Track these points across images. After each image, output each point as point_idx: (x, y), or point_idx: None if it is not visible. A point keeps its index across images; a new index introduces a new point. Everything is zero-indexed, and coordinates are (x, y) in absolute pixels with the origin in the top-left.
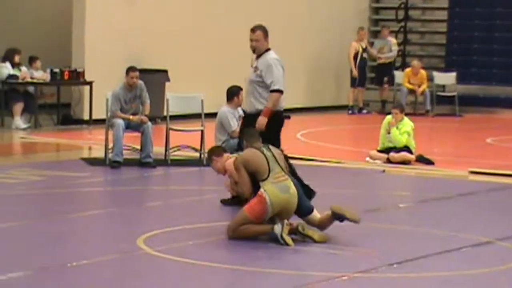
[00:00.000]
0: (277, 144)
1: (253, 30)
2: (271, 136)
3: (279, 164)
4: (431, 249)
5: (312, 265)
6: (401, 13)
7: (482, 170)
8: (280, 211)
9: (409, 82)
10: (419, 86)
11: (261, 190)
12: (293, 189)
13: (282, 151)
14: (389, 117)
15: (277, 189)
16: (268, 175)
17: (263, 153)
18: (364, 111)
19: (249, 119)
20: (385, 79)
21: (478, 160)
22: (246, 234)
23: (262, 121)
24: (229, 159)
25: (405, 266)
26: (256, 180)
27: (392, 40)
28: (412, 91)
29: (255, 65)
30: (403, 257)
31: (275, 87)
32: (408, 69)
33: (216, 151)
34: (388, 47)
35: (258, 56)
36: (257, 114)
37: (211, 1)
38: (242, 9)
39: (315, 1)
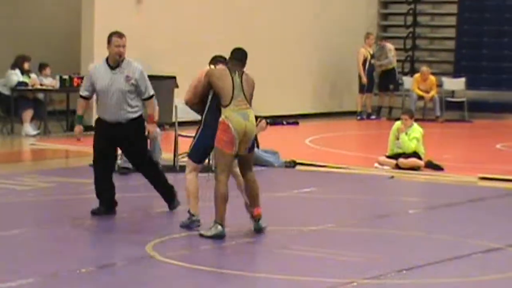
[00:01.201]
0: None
1: (120, 36)
2: (143, 143)
3: (243, 93)
4: (441, 255)
5: (321, 271)
6: (409, 19)
7: (491, 176)
8: (243, 138)
9: (418, 88)
10: (428, 92)
11: (223, 117)
12: (252, 118)
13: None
14: (398, 123)
15: (239, 116)
16: (230, 102)
17: (232, 77)
18: (373, 116)
19: (118, 128)
20: (391, 86)
21: (487, 165)
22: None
23: (154, 128)
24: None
25: (414, 273)
26: (204, 104)
27: (389, 46)
28: (421, 97)
29: (126, 74)
30: (413, 263)
31: (151, 93)
32: (417, 75)
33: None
34: (385, 54)
35: (119, 64)
36: (128, 123)
37: (220, 8)
38: (251, 16)
39: (323, 6)
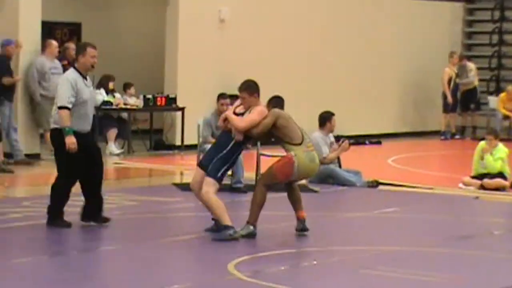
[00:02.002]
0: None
1: (94, 47)
2: (62, 157)
3: (308, 137)
4: None
5: None
6: (495, 38)
7: None
8: (302, 177)
9: (503, 107)
10: None
11: (292, 153)
12: (317, 160)
13: None
14: (482, 143)
15: (307, 158)
16: (302, 142)
17: (293, 121)
18: (457, 136)
19: (86, 137)
20: (472, 106)
21: None
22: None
23: (67, 140)
24: (258, 107)
25: None
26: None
27: (469, 65)
28: (506, 117)
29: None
30: (496, 285)
31: (59, 104)
32: (502, 94)
33: (251, 88)
34: (466, 73)
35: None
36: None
37: (304, 29)
38: (334, 36)
39: (408, 26)
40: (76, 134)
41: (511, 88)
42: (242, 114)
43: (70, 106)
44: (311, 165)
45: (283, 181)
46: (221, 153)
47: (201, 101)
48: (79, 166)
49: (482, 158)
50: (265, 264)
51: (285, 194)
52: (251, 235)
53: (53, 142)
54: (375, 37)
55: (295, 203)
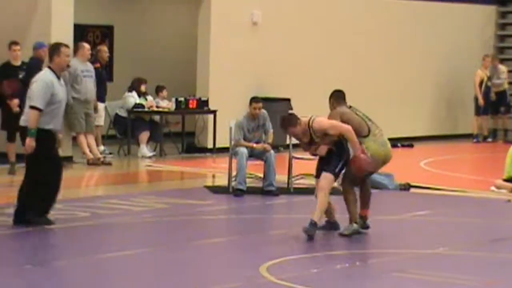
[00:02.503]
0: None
1: (68, 46)
2: (37, 158)
3: (373, 122)
4: None
5: None
6: None
7: None
8: (380, 164)
9: None
10: None
11: (363, 146)
12: (388, 144)
13: None
14: None
15: (377, 145)
16: (369, 133)
17: (355, 113)
18: (489, 139)
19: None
20: (502, 109)
21: None
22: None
23: (28, 141)
24: (313, 119)
25: None
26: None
27: (501, 67)
28: None
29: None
30: None
31: (32, 104)
32: None
33: (290, 120)
34: (497, 75)
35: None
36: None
37: (337, 33)
38: (367, 41)
39: (441, 29)
40: (50, 132)
41: None
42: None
43: (42, 108)
44: (384, 150)
45: (362, 174)
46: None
47: (233, 104)
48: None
49: None
50: (297, 267)
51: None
52: (356, 232)
53: (23, 140)
54: (407, 41)
55: (363, 200)
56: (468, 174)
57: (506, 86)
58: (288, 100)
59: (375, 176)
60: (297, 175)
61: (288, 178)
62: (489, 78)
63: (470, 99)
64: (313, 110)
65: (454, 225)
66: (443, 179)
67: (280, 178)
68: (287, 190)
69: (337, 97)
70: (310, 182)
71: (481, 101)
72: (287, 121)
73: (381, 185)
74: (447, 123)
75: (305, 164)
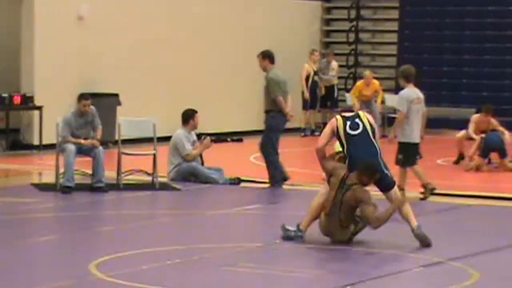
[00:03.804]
0: None
1: None
2: None
3: None
4: (384, 269)
5: None
6: (352, 36)
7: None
8: None
9: (361, 94)
10: (370, 98)
11: None
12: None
13: None
14: None
15: None
16: None
17: None
18: (317, 133)
19: None
20: (329, 103)
21: (429, 181)
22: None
23: None
24: None
25: (361, 287)
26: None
27: (334, 63)
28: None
29: None
30: (357, 278)
31: None
32: (360, 82)
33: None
34: (327, 70)
35: None
36: None
37: (164, 28)
38: (197, 37)
39: (268, 24)
40: None
41: (368, 73)
42: None
43: None
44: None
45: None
46: None
47: (60, 100)
48: None
49: None
50: (127, 264)
51: (147, 193)
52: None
53: None
54: (236, 35)
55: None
56: (297, 168)
57: (335, 81)
58: (117, 95)
59: (205, 171)
60: (126, 171)
61: (118, 174)
62: (316, 73)
63: (298, 93)
64: (142, 105)
65: (284, 218)
66: None
67: (110, 174)
68: (117, 186)
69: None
70: (140, 178)
71: (307, 95)
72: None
73: (211, 180)
74: None
75: (134, 160)
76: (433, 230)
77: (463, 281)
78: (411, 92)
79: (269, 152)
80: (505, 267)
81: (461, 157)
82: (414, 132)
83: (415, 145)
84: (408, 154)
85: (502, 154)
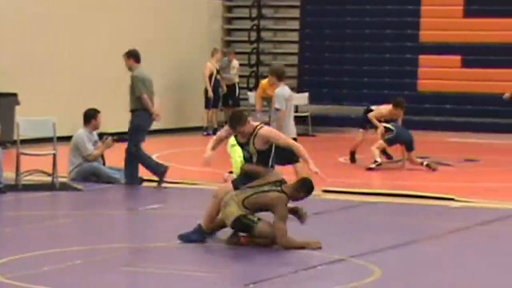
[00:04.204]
0: None
1: None
2: None
3: None
4: (287, 268)
5: None
6: (253, 35)
7: (335, 188)
8: None
9: (265, 92)
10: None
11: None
12: None
13: None
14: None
15: None
16: None
17: None
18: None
19: None
20: (230, 102)
21: (330, 178)
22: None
23: None
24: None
25: (259, 287)
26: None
27: (235, 62)
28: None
29: None
30: (258, 277)
31: None
32: (264, 81)
33: (238, 119)
34: (229, 69)
35: None
36: None
37: (62, 24)
38: (97, 36)
39: (168, 21)
40: None
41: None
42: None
43: None
44: None
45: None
46: None
47: None
48: None
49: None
50: (26, 266)
51: (46, 194)
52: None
53: None
54: (137, 35)
55: None
56: (198, 167)
57: (236, 80)
58: (15, 95)
59: (107, 171)
60: (25, 172)
61: (16, 175)
62: (218, 71)
63: (199, 92)
64: (42, 105)
65: (186, 217)
66: (175, 172)
67: (8, 175)
68: (15, 187)
69: None
70: (39, 178)
71: (210, 93)
72: (238, 119)
73: (113, 180)
74: (179, 116)
75: (34, 160)
76: (336, 227)
77: (365, 278)
78: (285, 90)
79: (135, 151)
80: (406, 264)
81: (353, 155)
82: (289, 128)
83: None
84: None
85: (409, 147)
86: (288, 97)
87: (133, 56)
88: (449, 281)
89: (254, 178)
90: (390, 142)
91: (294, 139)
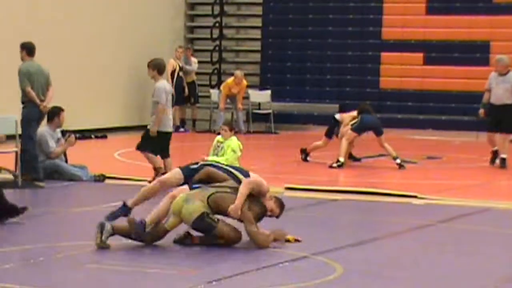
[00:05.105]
0: None
1: None
2: None
3: None
4: (250, 265)
5: (132, 286)
6: (216, 32)
7: (297, 186)
8: None
9: (230, 91)
10: (238, 94)
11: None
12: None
13: None
14: (219, 137)
15: None
16: None
17: None
18: (181, 129)
19: None
20: (192, 99)
21: (293, 176)
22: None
23: None
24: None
25: (223, 283)
26: None
27: (193, 59)
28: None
29: None
30: (221, 274)
31: None
32: (230, 79)
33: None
34: (188, 66)
35: None
36: None
37: (26, 22)
38: (60, 30)
39: (130, 19)
40: None
41: (239, 72)
42: None
43: None
44: None
45: None
46: None
47: None
48: None
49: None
50: None
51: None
52: None
53: None
54: (99, 31)
55: None
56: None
57: (194, 77)
58: None
59: (69, 168)
60: None
61: None
62: (181, 69)
63: None
64: (4, 102)
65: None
66: (138, 170)
67: None
68: None
69: None
70: (1, 176)
71: (172, 91)
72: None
73: (75, 177)
74: (142, 113)
75: None
76: (299, 224)
77: (327, 275)
78: (165, 84)
79: (27, 143)
80: (368, 261)
81: (305, 152)
82: (168, 122)
83: (170, 134)
84: (162, 142)
85: (378, 132)
86: (168, 91)
87: (25, 48)
88: (408, 277)
89: (215, 182)
90: (358, 130)
91: (171, 133)
